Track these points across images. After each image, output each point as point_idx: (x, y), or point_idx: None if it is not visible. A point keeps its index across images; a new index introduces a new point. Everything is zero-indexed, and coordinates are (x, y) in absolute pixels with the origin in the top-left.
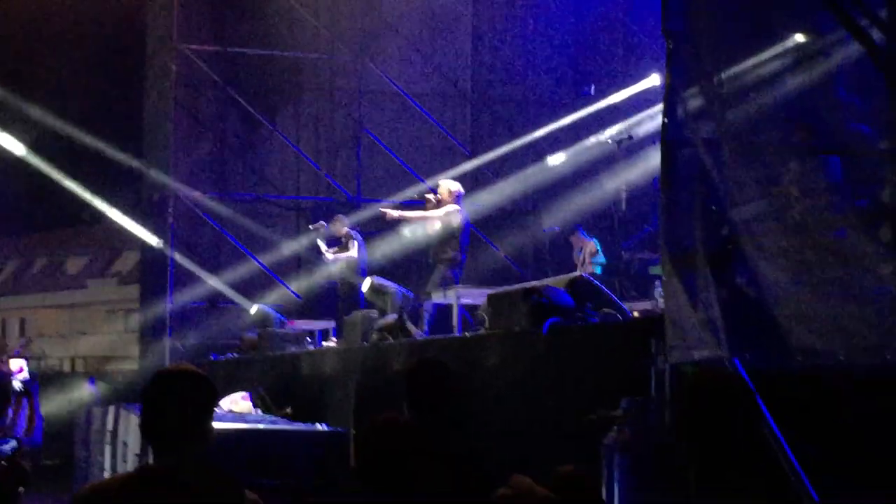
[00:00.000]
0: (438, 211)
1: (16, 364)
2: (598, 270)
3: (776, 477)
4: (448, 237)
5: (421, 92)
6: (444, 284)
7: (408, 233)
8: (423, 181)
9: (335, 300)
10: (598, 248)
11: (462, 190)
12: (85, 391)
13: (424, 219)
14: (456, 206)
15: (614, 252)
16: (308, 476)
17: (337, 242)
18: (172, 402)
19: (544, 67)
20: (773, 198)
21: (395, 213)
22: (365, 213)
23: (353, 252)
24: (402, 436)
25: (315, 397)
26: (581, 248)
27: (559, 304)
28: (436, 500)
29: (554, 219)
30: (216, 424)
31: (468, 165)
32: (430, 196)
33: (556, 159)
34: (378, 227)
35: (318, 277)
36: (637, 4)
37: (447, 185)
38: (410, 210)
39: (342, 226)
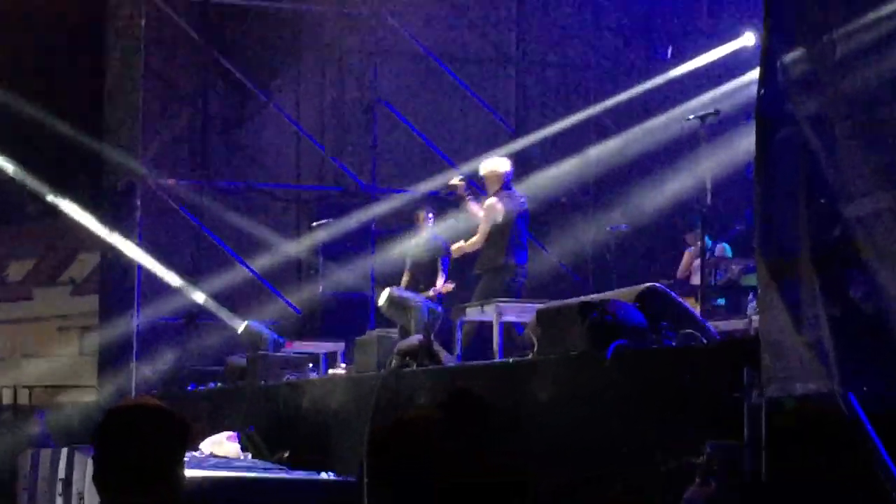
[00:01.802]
0: (480, 209)
1: None
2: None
3: None
4: (494, 239)
5: (452, 54)
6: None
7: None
8: (454, 166)
9: (344, 315)
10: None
11: (511, 169)
12: (31, 429)
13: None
14: (494, 199)
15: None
16: None
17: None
18: (130, 445)
19: (608, 24)
20: None
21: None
22: (381, 207)
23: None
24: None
25: (319, 439)
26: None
27: (627, 323)
28: None
29: (621, 215)
30: (194, 472)
31: (512, 147)
32: (458, 182)
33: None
34: (400, 224)
35: (325, 286)
36: None
37: (491, 165)
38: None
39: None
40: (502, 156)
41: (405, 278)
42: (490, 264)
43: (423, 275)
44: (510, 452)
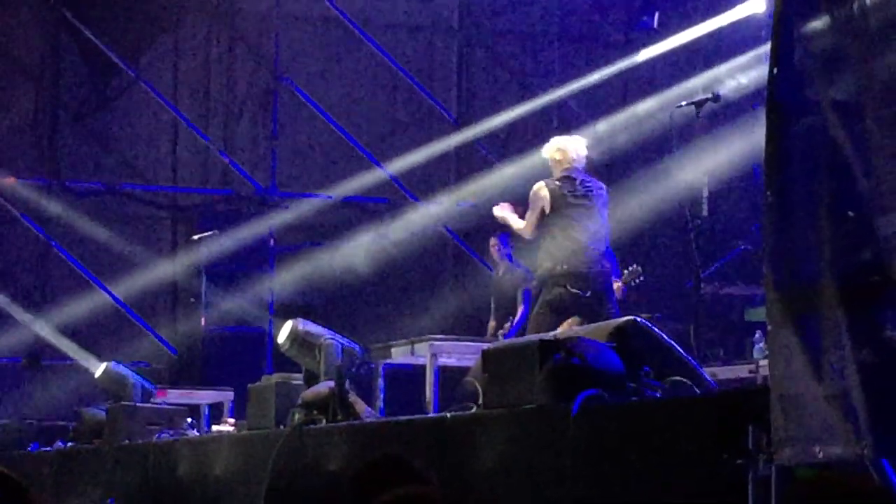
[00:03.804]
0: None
1: None
2: None
3: None
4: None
5: (376, 20)
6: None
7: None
8: (377, 164)
9: (234, 356)
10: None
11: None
12: None
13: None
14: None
15: (690, 284)
16: None
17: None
18: None
19: None
20: None
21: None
22: (282, 217)
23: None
24: None
25: None
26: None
27: (599, 368)
28: None
29: None
30: None
31: (453, 140)
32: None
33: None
34: (311, 238)
35: (209, 319)
36: None
37: (560, 143)
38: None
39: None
40: (440, 149)
41: (491, 324)
42: (543, 268)
43: (511, 316)
44: None
